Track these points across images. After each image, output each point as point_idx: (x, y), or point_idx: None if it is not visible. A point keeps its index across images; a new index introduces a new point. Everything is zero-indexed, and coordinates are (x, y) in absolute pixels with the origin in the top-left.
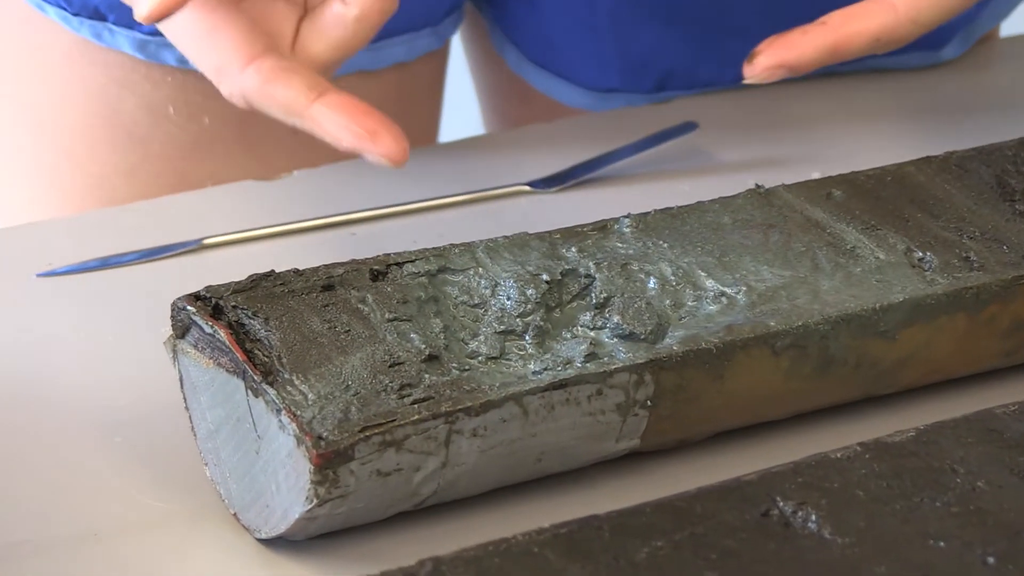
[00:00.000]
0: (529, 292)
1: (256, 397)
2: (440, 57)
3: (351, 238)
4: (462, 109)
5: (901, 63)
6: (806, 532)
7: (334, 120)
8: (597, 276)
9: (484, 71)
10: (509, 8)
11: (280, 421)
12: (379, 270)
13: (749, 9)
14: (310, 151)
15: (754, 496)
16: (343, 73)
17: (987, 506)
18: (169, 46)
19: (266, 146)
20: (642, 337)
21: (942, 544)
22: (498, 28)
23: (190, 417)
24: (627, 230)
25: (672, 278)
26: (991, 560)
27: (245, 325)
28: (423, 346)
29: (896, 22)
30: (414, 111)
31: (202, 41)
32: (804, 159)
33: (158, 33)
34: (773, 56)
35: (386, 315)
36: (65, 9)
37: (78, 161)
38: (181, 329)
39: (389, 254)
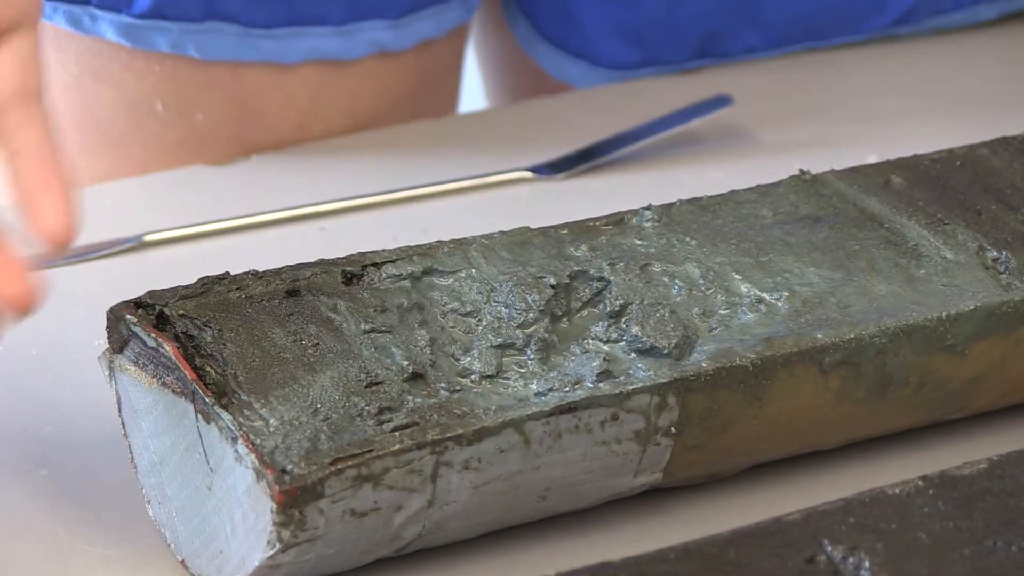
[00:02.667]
0: (531, 298)
1: (208, 423)
2: (464, 33)
3: (320, 234)
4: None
5: (972, 17)
6: None
7: None
8: (612, 279)
9: (489, 43)
10: None
11: (236, 451)
12: (353, 272)
13: None
14: (317, 148)
15: (798, 539)
16: (362, 55)
17: None
18: (162, 29)
19: (267, 145)
20: (665, 352)
21: None
22: None
23: (129, 446)
24: (648, 224)
25: (701, 282)
26: None
27: (194, 337)
28: (405, 362)
29: None
30: (434, 94)
31: None
32: (858, 140)
33: (150, 14)
34: None
35: (362, 326)
36: None
37: None
38: (119, 342)
39: (365, 253)
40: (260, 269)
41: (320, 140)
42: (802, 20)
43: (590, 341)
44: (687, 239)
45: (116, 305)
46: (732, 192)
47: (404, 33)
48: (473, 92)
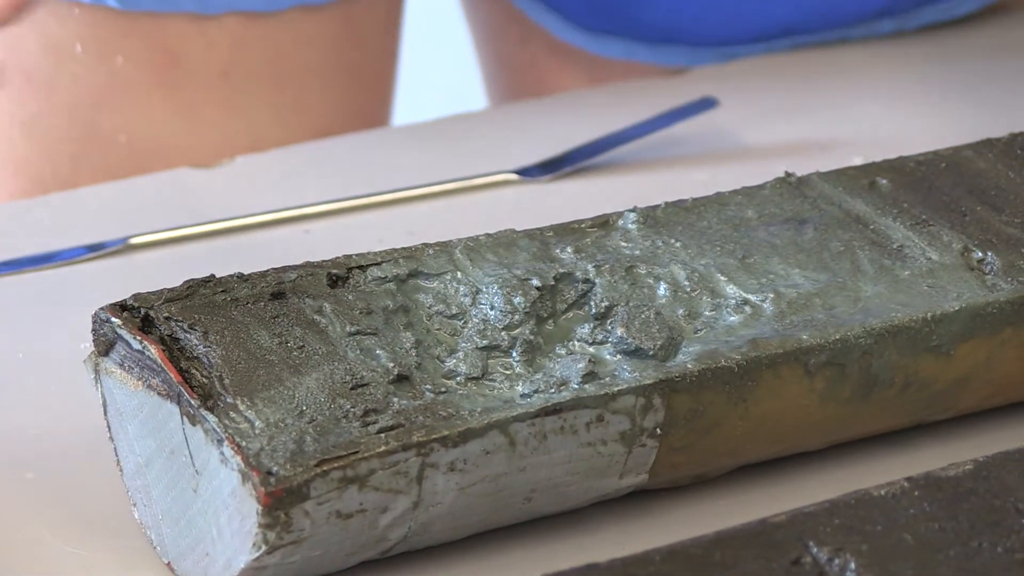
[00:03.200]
0: (516, 300)
1: (193, 425)
2: None
3: (305, 236)
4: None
5: (953, 9)
6: None
7: None
8: (597, 281)
9: (479, 7)
10: None
11: (222, 453)
12: (338, 275)
13: None
14: (243, 98)
15: (783, 541)
16: (284, 7)
17: None
18: None
19: (191, 92)
20: (651, 353)
21: None
22: None
23: (115, 449)
24: (632, 227)
25: (686, 283)
26: None
27: (180, 340)
28: (391, 364)
29: None
30: (365, 50)
31: None
32: (843, 142)
33: None
34: None
35: (347, 328)
36: None
37: None
38: (104, 345)
39: (350, 255)
40: (245, 271)
41: (244, 88)
42: (782, 12)
43: (575, 343)
44: (672, 241)
45: (102, 308)
46: (717, 194)
47: None
48: (473, 90)
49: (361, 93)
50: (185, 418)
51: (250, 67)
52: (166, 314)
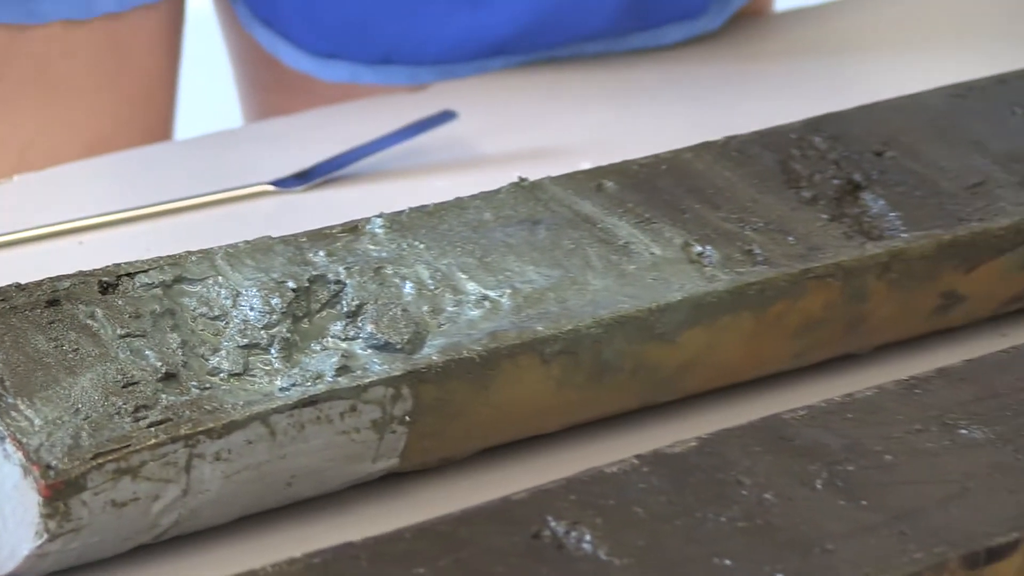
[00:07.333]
0: (274, 301)
1: None
2: (165, 12)
3: (78, 248)
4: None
5: (658, 39)
6: (581, 554)
7: None
8: (348, 282)
9: (231, 32)
10: None
11: (4, 450)
12: (109, 282)
13: None
14: (9, 110)
15: (524, 516)
16: (46, 21)
17: (776, 520)
18: None
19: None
20: (398, 347)
21: (728, 563)
22: None
23: None
24: (380, 231)
25: (430, 282)
26: None
27: None
28: (159, 364)
29: None
30: (134, 67)
31: None
32: (573, 149)
33: None
34: None
35: (118, 331)
36: None
37: None
38: None
39: (120, 264)
40: (23, 281)
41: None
42: (494, 37)
43: (329, 339)
44: (416, 243)
45: None
46: (457, 199)
47: (89, 3)
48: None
49: (131, 109)
50: None
51: (16, 79)
52: None
